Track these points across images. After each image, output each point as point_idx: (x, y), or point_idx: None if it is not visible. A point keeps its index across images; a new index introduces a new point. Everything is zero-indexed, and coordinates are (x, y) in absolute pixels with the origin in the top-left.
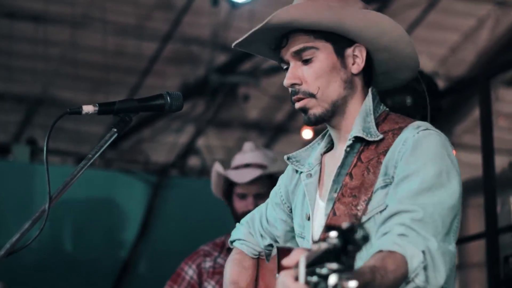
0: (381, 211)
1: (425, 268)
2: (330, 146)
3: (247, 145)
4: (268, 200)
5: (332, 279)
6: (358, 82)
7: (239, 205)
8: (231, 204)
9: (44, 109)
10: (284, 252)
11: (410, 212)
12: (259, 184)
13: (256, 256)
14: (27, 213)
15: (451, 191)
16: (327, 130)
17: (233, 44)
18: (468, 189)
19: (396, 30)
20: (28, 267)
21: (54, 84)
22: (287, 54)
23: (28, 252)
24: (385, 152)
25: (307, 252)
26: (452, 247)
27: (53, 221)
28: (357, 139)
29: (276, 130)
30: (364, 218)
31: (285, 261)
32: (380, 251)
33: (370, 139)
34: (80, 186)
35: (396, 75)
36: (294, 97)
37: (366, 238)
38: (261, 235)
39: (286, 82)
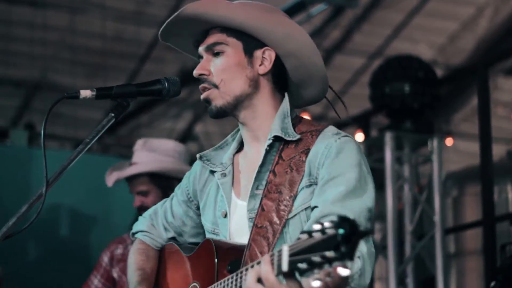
0: (305, 209)
1: (360, 275)
2: (241, 147)
3: (137, 143)
4: (173, 195)
5: (327, 266)
6: (266, 83)
7: (135, 203)
8: None
9: (42, 94)
10: (221, 245)
11: None
12: (138, 182)
13: (158, 248)
14: (25, 198)
15: (371, 195)
16: (237, 131)
17: (159, 34)
18: (465, 177)
19: (302, 37)
20: (24, 251)
21: (52, 69)
22: (201, 48)
23: (24, 236)
24: (306, 151)
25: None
26: (373, 248)
27: (50, 205)
28: (276, 139)
29: None
30: (290, 215)
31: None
32: None
33: (288, 138)
34: (77, 171)
35: (308, 89)
36: (200, 86)
37: (368, 233)
38: (165, 228)
39: (195, 72)
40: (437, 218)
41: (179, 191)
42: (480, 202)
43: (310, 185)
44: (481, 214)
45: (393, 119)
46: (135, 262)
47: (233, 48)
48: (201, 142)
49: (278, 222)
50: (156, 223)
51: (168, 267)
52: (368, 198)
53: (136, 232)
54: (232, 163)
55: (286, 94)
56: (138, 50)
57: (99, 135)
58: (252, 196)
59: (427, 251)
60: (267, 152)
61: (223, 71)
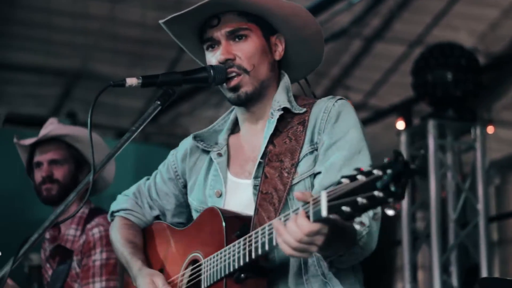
0: (310, 175)
1: (367, 234)
2: (234, 128)
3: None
4: (156, 173)
5: (372, 208)
6: (277, 68)
7: (37, 175)
8: (32, 178)
9: (83, 83)
10: (226, 212)
11: None
12: (52, 151)
13: (142, 227)
14: None
15: (370, 154)
16: (229, 113)
17: (164, 21)
18: (508, 166)
19: (317, 26)
20: None
21: (93, 58)
22: (219, 33)
23: None
24: (302, 122)
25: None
26: (380, 213)
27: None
28: (282, 110)
29: None
30: (294, 181)
31: (299, 194)
32: None
33: (295, 111)
34: (119, 159)
35: (292, 73)
36: (229, 70)
37: (421, 172)
38: (150, 206)
39: (221, 57)
40: (480, 206)
41: (164, 169)
42: None
43: (312, 152)
44: None
45: (435, 107)
46: (123, 237)
47: (255, 34)
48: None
49: (282, 188)
50: (140, 201)
51: (158, 243)
52: (369, 158)
53: (117, 211)
54: (227, 144)
55: (284, 72)
56: None
57: (145, 123)
58: (258, 165)
59: (471, 239)
60: (270, 124)
61: (253, 56)
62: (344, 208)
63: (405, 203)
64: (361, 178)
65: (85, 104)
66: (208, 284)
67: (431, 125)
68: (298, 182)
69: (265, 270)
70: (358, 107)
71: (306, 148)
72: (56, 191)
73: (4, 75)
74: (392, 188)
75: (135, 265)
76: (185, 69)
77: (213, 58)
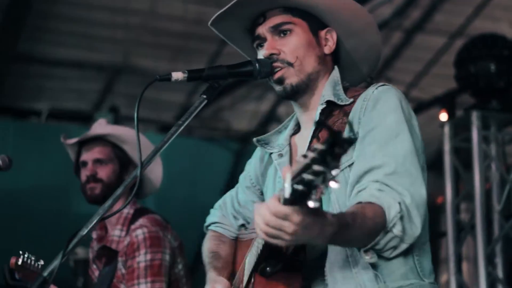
0: (349, 165)
1: (401, 219)
2: (298, 129)
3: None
4: (238, 184)
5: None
6: (329, 63)
7: (82, 174)
8: (79, 177)
9: (124, 78)
10: None
11: (382, 167)
12: (97, 150)
13: (233, 238)
14: None
15: (415, 136)
16: (293, 115)
17: (211, 20)
18: None
19: (368, 17)
20: None
21: (134, 52)
22: (264, 30)
23: None
24: (347, 114)
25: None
26: (425, 191)
27: None
28: (328, 104)
29: None
30: None
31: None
32: (359, 202)
33: (341, 103)
34: (163, 153)
35: (357, 71)
36: (274, 64)
37: (351, 140)
38: (234, 217)
39: (265, 52)
40: None
41: (242, 178)
42: None
43: None
44: None
45: (479, 99)
46: (207, 248)
47: (300, 28)
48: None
49: None
50: (225, 213)
51: (241, 252)
52: (411, 140)
53: (209, 225)
54: (289, 144)
55: (336, 66)
56: None
57: (191, 117)
58: None
59: None
60: (315, 119)
61: (297, 49)
62: (296, 186)
63: (449, 195)
64: (309, 154)
65: (126, 99)
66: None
67: (474, 116)
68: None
69: (297, 264)
70: None
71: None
72: (100, 190)
73: (46, 70)
74: (329, 160)
75: (208, 272)
76: (227, 62)
77: (260, 55)
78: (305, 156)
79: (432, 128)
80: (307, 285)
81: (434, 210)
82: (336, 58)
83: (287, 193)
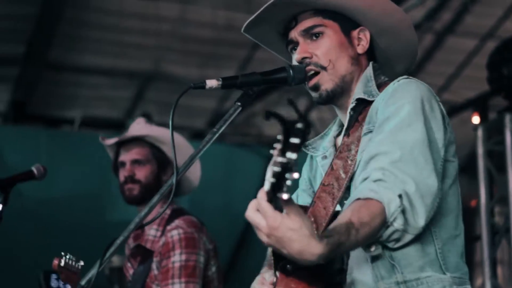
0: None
1: (403, 212)
2: (341, 130)
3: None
4: (298, 188)
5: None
6: (364, 62)
7: (120, 175)
8: (118, 177)
9: (155, 84)
10: None
11: (387, 154)
12: (135, 151)
13: None
14: None
15: (433, 128)
16: (338, 117)
17: (243, 27)
18: None
19: (398, 12)
20: None
21: (164, 59)
22: (296, 33)
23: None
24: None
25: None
26: (436, 182)
27: None
28: (359, 102)
29: None
30: (355, 167)
31: None
32: (358, 199)
33: (372, 99)
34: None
35: (394, 66)
36: (307, 68)
37: (307, 127)
38: None
39: (297, 56)
40: None
41: (300, 181)
42: None
43: (368, 132)
44: None
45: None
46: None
47: (331, 30)
48: (317, 129)
49: (343, 177)
50: None
51: None
52: (425, 130)
53: None
54: (334, 146)
55: (370, 63)
56: (249, 38)
57: (226, 125)
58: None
59: None
60: (351, 117)
61: (329, 52)
62: (271, 179)
63: (483, 198)
64: (276, 146)
65: (158, 105)
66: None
67: (508, 119)
68: (357, 167)
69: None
70: None
71: (364, 129)
72: (138, 191)
73: (77, 78)
74: (286, 150)
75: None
76: (258, 67)
77: (294, 59)
78: (273, 148)
79: (464, 131)
80: (328, 280)
81: (468, 214)
82: (371, 56)
83: (266, 186)
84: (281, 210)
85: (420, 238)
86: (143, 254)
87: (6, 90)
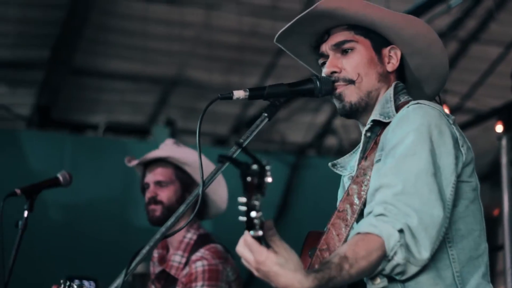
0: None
1: (403, 246)
2: None
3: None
4: None
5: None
6: (392, 80)
7: (146, 196)
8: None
9: (179, 90)
10: (314, 233)
11: (390, 187)
12: (158, 172)
13: None
14: None
15: (439, 153)
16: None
17: (276, 37)
18: None
19: (431, 34)
20: None
21: (189, 65)
22: (327, 47)
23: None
24: None
25: None
26: (441, 212)
27: None
28: (375, 123)
29: None
30: (369, 193)
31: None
32: (358, 233)
33: (387, 120)
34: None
35: (425, 88)
36: (335, 83)
37: (262, 169)
38: None
39: (326, 70)
40: None
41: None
42: None
43: (379, 160)
44: None
45: None
46: None
47: (362, 45)
48: (340, 136)
49: (357, 202)
50: None
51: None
52: (431, 159)
53: None
54: (358, 166)
55: (394, 83)
56: (273, 45)
57: (252, 135)
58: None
59: None
60: (368, 138)
61: (358, 67)
62: (242, 218)
63: (506, 207)
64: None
65: (182, 111)
66: None
67: None
68: (368, 197)
69: None
70: (454, 110)
71: (376, 156)
72: (160, 212)
73: (102, 83)
74: (244, 190)
75: None
76: (282, 74)
77: (323, 72)
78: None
79: (487, 140)
80: None
81: (490, 223)
82: (400, 75)
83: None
84: (267, 246)
85: (436, 263)
86: (167, 279)
87: (31, 95)
